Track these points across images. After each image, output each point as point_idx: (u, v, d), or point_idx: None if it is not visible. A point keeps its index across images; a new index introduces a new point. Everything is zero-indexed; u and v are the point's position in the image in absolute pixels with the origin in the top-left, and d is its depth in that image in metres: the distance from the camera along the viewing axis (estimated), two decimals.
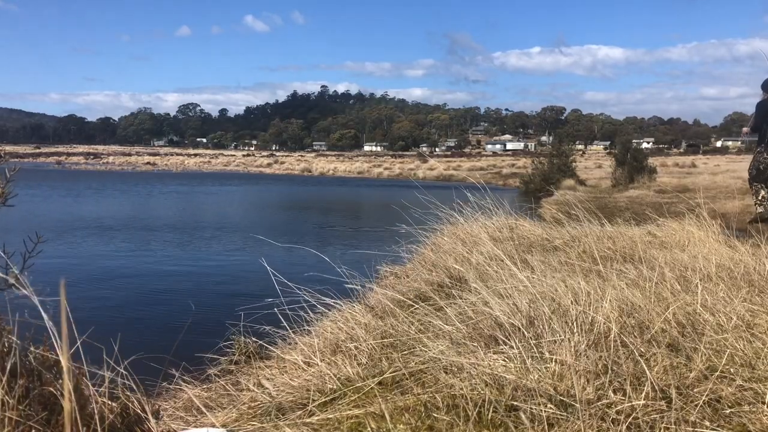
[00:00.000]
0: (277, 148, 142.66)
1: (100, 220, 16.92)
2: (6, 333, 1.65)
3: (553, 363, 2.20)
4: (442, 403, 2.11)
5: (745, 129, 9.71)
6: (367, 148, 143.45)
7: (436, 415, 2.04)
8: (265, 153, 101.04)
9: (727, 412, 1.92)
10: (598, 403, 1.94)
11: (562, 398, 2.01)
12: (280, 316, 3.28)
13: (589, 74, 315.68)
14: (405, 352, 2.61)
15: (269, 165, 64.87)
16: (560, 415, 1.94)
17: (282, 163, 66.67)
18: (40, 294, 1.70)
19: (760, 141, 8.49)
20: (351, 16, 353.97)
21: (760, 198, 8.51)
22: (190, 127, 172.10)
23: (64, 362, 0.88)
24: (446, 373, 2.30)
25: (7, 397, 1.50)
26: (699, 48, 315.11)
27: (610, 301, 2.55)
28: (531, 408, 1.97)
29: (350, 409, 2.19)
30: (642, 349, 2.29)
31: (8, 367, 1.51)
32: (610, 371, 2.11)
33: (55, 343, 1.70)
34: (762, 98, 8.45)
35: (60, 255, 10.48)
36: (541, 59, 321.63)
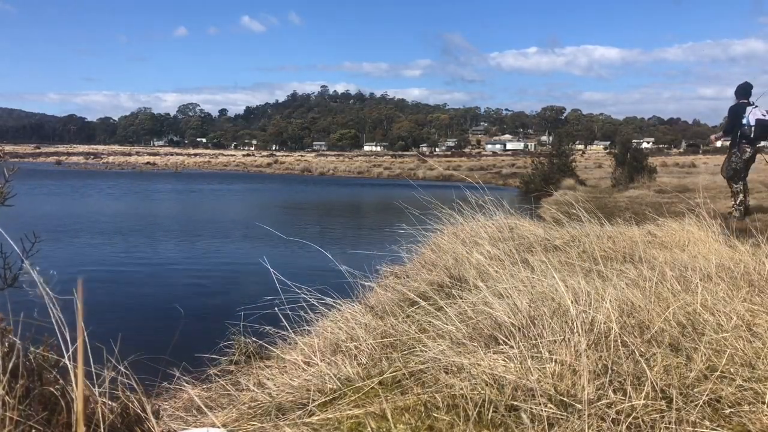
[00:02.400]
0: (277, 147, 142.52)
1: (88, 219, 16.95)
2: (7, 333, 1.65)
3: (553, 363, 2.20)
4: (442, 402, 2.11)
5: (713, 137, 10.67)
6: (367, 148, 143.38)
7: (436, 415, 2.04)
8: (264, 153, 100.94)
9: (727, 411, 1.92)
10: (599, 403, 1.94)
11: (562, 398, 2.01)
12: (280, 316, 3.29)
13: (586, 74, 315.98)
14: (405, 352, 2.61)
15: (269, 165, 64.87)
16: (560, 414, 1.94)
17: (282, 162, 66.65)
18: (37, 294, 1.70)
19: (732, 144, 9.33)
20: (346, 17, 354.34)
21: (737, 202, 9.31)
22: (189, 126, 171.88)
23: (79, 367, 0.87)
24: (446, 372, 2.30)
25: (8, 397, 1.50)
26: (695, 48, 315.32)
27: (610, 300, 2.55)
28: (531, 408, 1.97)
29: (350, 409, 2.19)
30: (642, 349, 2.29)
31: (10, 367, 1.51)
32: (610, 371, 2.11)
33: (62, 345, 1.70)
34: (734, 103, 9.34)
35: (54, 255, 10.48)
36: (537, 59, 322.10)
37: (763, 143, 9.56)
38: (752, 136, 9.02)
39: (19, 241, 1.96)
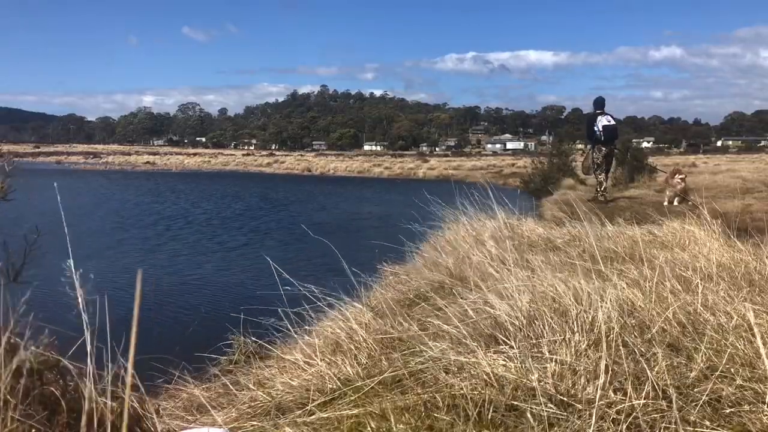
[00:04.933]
0: (277, 147, 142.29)
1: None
2: (8, 332, 1.64)
3: (554, 363, 2.20)
4: (443, 402, 2.11)
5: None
6: (366, 147, 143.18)
7: (436, 414, 2.04)
8: (264, 152, 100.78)
9: (728, 411, 1.92)
10: (599, 403, 1.94)
11: (562, 398, 2.01)
12: (281, 316, 3.29)
13: (584, 74, 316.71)
14: (405, 352, 2.61)
15: (269, 164, 64.85)
16: (561, 414, 1.94)
17: (282, 162, 66.58)
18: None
19: (593, 145, 11.97)
20: (342, 19, 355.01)
21: (603, 189, 12.00)
22: (189, 126, 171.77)
23: (129, 372, 0.86)
24: (446, 372, 2.30)
25: (8, 397, 1.49)
26: (691, 48, 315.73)
27: (610, 300, 2.55)
28: (531, 408, 1.97)
29: (350, 409, 2.19)
30: (642, 349, 2.29)
31: (13, 367, 1.51)
32: (610, 371, 2.11)
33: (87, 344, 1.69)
34: (591, 113, 12.09)
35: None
36: (535, 60, 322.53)
37: (614, 142, 12.43)
38: (603, 140, 11.73)
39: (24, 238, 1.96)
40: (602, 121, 11.64)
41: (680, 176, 10.92)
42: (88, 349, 1.70)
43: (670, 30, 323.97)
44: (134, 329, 0.87)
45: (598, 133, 11.69)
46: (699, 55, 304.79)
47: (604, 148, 11.89)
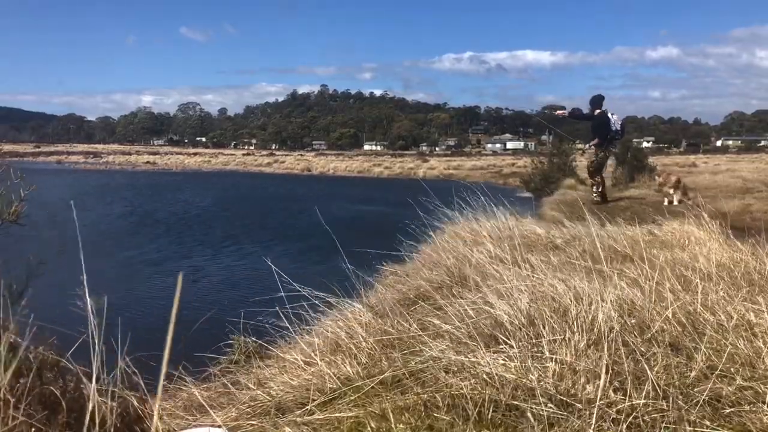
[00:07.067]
0: (277, 147, 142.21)
1: None
2: (9, 332, 1.64)
3: (554, 362, 2.20)
4: (443, 402, 2.11)
5: (559, 112, 12.53)
6: (366, 147, 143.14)
7: (436, 414, 2.04)
8: (264, 152, 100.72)
9: (728, 411, 1.92)
10: (599, 403, 1.94)
11: (562, 398, 2.01)
12: (281, 315, 3.28)
13: (584, 74, 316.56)
14: (405, 352, 2.61)
15: (269, 164, 64.84)
16: (561, 414, 1.94)
17: (282, 162, 66.53)
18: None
19: (599, 145, 11.19)
20: (340, 19, 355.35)
21: (600, 190, 11.42)
22: (189, 126, 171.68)
23: (164, 365, 0.86)
24: (446, 372, 2.30)
25: (8, 396, 1.49)
26: (688, 48, 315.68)
27: (610, 300, 2.55)
28: (531, 407, 1.97)
29: (350, 409, 2.19)
30: (642, 349, 2.29)
31: (12, 367, 1.51)
32: (610, 371, 2.11)
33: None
34: (597, 112, 11.11)
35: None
36: (532, 59, 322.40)
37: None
38: (619, 138, 11.40)
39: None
40: (618, 121, 11.19)
41: (672, 176, 11.14)
42: (97, 349, 1.70)
43: (666, 30, 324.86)
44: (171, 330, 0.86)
45: (615, 132, 11.20)
46: (696, 55, 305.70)
47: (612, 149, 11.58)
